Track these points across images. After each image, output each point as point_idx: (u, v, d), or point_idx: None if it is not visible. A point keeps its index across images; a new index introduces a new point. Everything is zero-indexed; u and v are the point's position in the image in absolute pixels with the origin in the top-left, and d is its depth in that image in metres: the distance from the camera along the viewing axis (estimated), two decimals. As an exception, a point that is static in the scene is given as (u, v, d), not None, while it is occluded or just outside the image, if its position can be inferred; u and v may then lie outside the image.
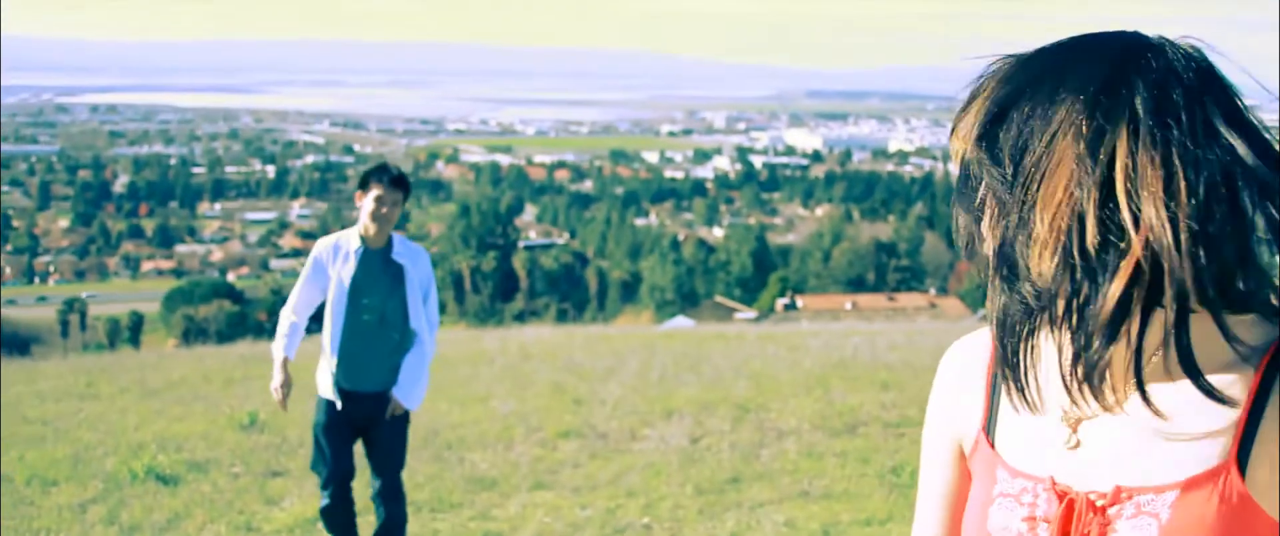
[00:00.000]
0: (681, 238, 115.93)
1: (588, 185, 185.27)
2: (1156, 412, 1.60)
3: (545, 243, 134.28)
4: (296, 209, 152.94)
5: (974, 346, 1.90)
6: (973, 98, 1.71)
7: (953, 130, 1.75)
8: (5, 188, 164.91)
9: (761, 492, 8.72)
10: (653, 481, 9.05)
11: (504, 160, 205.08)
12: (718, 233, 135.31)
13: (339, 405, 7.15)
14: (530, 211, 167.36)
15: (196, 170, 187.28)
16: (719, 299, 79.74)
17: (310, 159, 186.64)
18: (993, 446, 1.80)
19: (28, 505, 8.81)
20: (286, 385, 7.14)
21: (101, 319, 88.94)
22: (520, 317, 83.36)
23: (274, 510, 8.72)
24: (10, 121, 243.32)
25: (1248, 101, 1.66)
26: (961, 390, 1.88)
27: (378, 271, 7.14)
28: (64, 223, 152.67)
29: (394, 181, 7.18)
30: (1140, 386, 1.60)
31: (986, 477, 1.79)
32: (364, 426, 7.30)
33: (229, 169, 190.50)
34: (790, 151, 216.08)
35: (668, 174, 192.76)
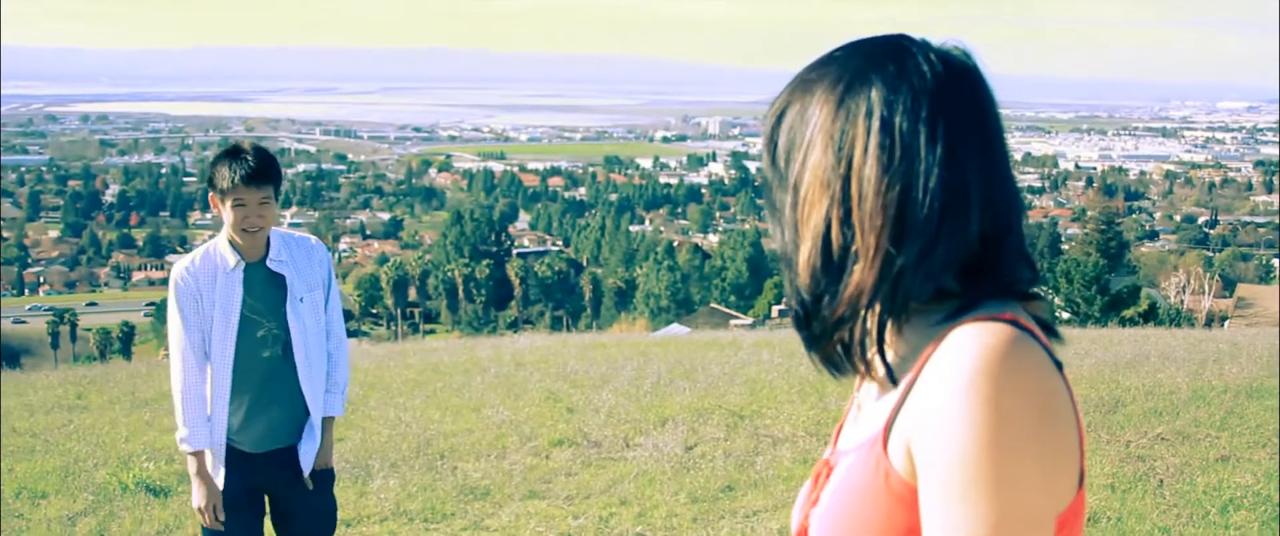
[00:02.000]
0: (676, 244, 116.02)
1: (582, 192, 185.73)
2: (879, 383, 1.74)
3: (539, 250, 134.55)
4: (288, 218, 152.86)
5: None
6: (771, 104, 1.76)
7: None
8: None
9: (756, 500, 8.65)
10: (647, 490, 8.97)
11: (497, 167, 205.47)
12: (713, 239, 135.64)
13: (235, 478, 5.39)
14: (524, 218, 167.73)
15: (188, 179, 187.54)
16: (714, 305, 79.74)
17: (302, 167, 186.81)
18: (837, 435, 1.90)
19: (17, 517, 8.74)
20: (215, 499, 5.30)
21: (92, 330, 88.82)
22: (514, 325, 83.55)
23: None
24: None
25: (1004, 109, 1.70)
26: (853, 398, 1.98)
27: (269, 288, 5.34)
28: (54, 233, 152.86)
29: (252, 176, 5.14)
30: (837, 367, 1.76)
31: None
32: (273, 494, 5.58)
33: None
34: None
35: (662, 180, 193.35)
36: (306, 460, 5.45)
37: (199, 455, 5.25)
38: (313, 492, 5.52)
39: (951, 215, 1.62)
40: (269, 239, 5.33)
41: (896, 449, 1.63)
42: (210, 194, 5.27)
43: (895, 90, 1.64)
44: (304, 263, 5.40)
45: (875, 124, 1.63)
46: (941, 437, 1.54)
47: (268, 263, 5.30)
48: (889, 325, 1.68)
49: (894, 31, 1.79)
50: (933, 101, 1.63)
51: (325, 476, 5.57)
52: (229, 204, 5.14)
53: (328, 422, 5.53)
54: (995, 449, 1.51)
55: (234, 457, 5.36)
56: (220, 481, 5.33)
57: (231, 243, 5.28)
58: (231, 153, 5.19)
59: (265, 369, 5.33)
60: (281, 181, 5.33)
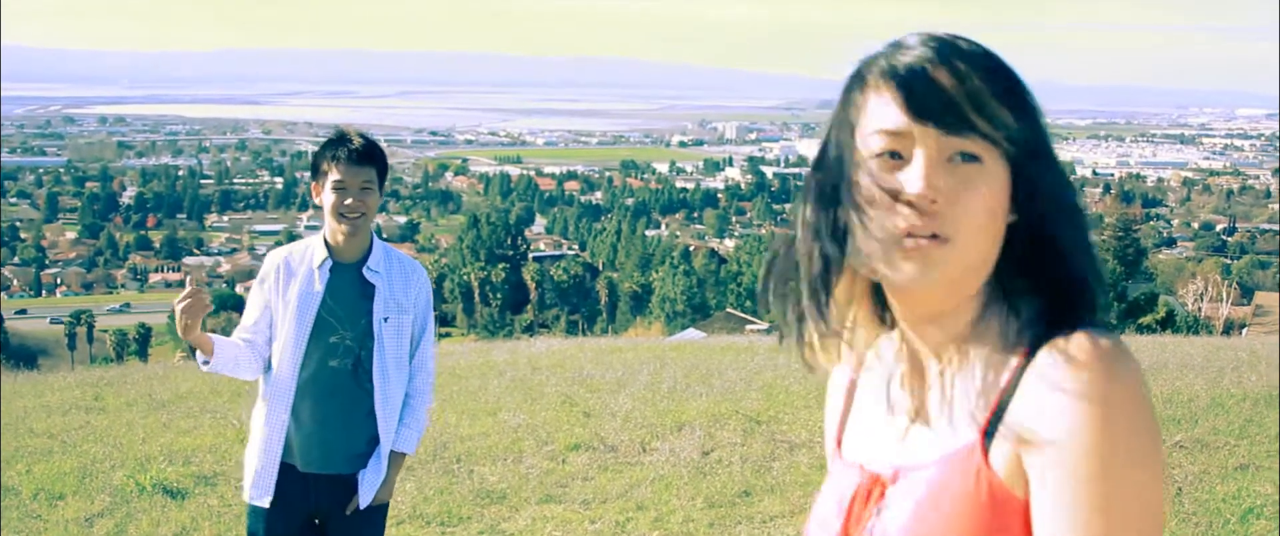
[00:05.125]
0: (692, 249, 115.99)
1: (598, 196, 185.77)
2: (919, 394, 1.76)
3: (555, 254, 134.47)
4: (305, 221, 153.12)
5: (845, 364, 1.96)
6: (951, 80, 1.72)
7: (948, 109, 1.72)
8: (13, 199, 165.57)
9: (773, 506, 8.64)
10: (663, 494, 8.96)
11: (513, 171, 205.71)
12: (729, 244, 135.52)
13: (268, 501, 5.01)
14: (540, 222, 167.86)
15: (205, 182, 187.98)
16: (730, 310, 79.47)
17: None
18: (840, 444, 1.94)
19: (34, 519, 8.75)
20: (194, 294, 4.60)
21: (109, 331, 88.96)
22: (530, 329, 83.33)
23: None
24: (18, 133, 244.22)
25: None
26: (832, 405, 2.03)
27: (353, 295, 5.00)
28: (71, 234, 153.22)
29: (358, 155, 4.91)
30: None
31: (831, 471, 1.94)
32: (325, 525, 5.14)
33: (237, 180, 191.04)
34: (802, 162, 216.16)
35: (679, 184, 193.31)
36: (366, 491, 5.05)
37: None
38: (365, 528, 5.13)
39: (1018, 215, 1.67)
40: (372, 246, 5.06)
41: (1000, 459, 1.63)
42: (312, 184, 5.04)
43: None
44: (400, 283, 5.08)
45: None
46: (1079, 451, 1.56)
47: (363, 269, 5.00)
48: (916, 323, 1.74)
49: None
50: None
51: (379, 512, 5.16)
52: (329, 185, 4.88)
53: (397, 458, 5.14)
54: (1130, 462, 1.56)
55: (286, 478, 5.01)
56: (265, 501, 5.00)
57: (327, 242, 5.00)
58: (336, 137, 4.99)
59: (330, 381, 4.97)
60: (386, 172, 5.05)
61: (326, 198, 4.90)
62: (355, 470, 5.05)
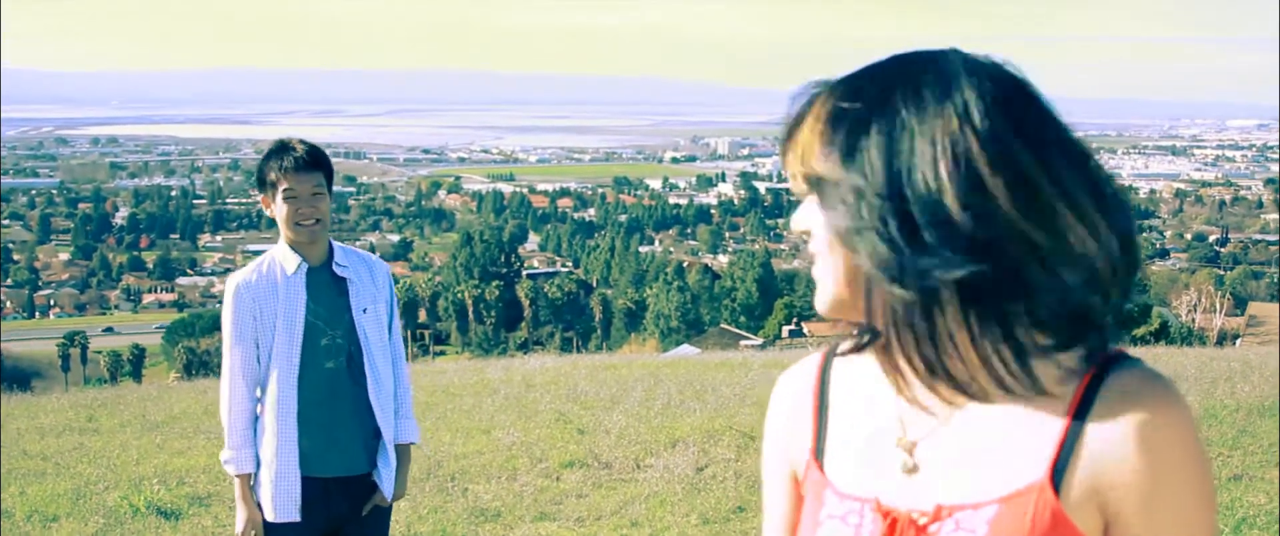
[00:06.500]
0: (686, 265, 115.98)
1: (591, 213, 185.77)
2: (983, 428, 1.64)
3: (549, 271, 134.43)
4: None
5: (802, 372, 1.89)
6: (801, 120, 1.64)
7: (787, 151, 1.66)
8: (5, 221, 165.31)
9: (768, 522, 8.62)
10: (658, 511, 8.96)
11: (506, 188, 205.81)
12: (722, 259, 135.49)
13: (298, 514, 5.00)
14: (533, 240, 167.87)
15: (198, 202, 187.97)
16: (724, 326, 79.48)
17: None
18: (821, 470, 1.78)
19: (28, 541, 8.74)
20: (256, 525, 5.02)
21: (102, 352, 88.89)
22: (524, 347, 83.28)
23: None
24: (10, 154, 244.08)
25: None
26: (793, 416, 1.88)
27: (330, 294, 5.03)
28: (65, 256, 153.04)
29: (304, 162, 4.90)
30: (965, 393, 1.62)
31: (815, 501, 1.78)
32: (335, 529, 5.17)
33: (230, 200, 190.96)
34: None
35: (672, 201, 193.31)
36: (387, 485, 5.11)
37: (243, 478, 4.98)
38: (376, 531, 5.23)
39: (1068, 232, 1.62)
40: (331, 246, 5.06)
41: (1073, 498, 1.58)
42: (261, 197, 5.04)
43: (994, 100, 1.61)
44: (366, 273, 5.11)
45: (981, 133, 1.60)
46: (1184, 493, 1.57)
47: (332, 267, 5.03)
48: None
49: (903, 50, 1.70)
50: (1023, 112, 1.61)
51: (387, 513, 5.25)
52: (280, 197, 4.88)
53: (404, 450, 5.25)
54: (1211, 494, 1.60)
55: (307, 490, 4.99)
56: (296, 516, 4.98)
57: (291, 246, 4.99)
58: (279, 147, 4.97)
59: (329, 381, 4.99)
60: (333, 176, 5.06)
61: (279, 209, 4.92)
62: (369, 469, 5.10)
